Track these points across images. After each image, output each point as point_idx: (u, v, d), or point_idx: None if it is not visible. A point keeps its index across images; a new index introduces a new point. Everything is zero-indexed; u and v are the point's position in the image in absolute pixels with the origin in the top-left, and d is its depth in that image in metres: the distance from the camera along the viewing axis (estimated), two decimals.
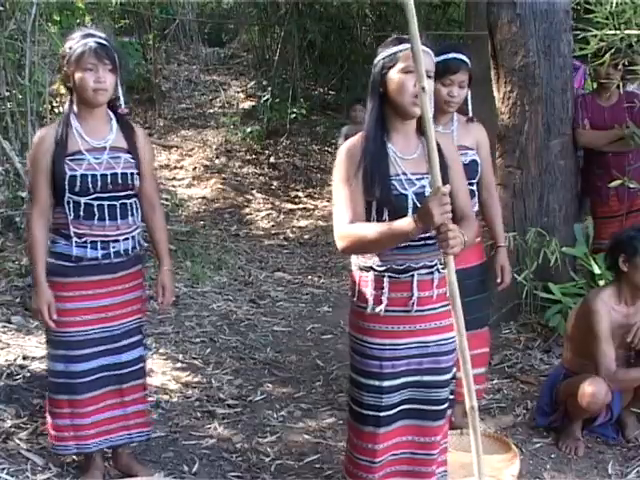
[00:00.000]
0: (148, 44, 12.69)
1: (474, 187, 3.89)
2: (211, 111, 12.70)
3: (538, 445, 4.09)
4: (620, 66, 4.91)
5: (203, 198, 10.01)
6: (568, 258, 5.43)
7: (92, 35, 3.27)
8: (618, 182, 5.01)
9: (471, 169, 3.83)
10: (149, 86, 12.48)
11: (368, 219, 2.80)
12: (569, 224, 5.54)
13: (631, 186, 5.04)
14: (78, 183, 3.22)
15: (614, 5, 4.03)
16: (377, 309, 2.85)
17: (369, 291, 2.88)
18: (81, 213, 3.25)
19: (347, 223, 2.76)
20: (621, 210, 5.26)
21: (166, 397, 4.56)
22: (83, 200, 3.24)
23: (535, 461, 3.92)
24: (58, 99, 8.83)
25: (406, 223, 2.63)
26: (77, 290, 3.31)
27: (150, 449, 3.91)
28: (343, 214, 2.79)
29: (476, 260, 3.97)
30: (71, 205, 3.25)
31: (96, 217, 3.26)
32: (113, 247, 3.32)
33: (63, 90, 8.56)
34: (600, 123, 5.33)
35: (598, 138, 5.32)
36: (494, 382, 4.77)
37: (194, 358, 5.21)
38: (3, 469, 3.51)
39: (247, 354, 5.40)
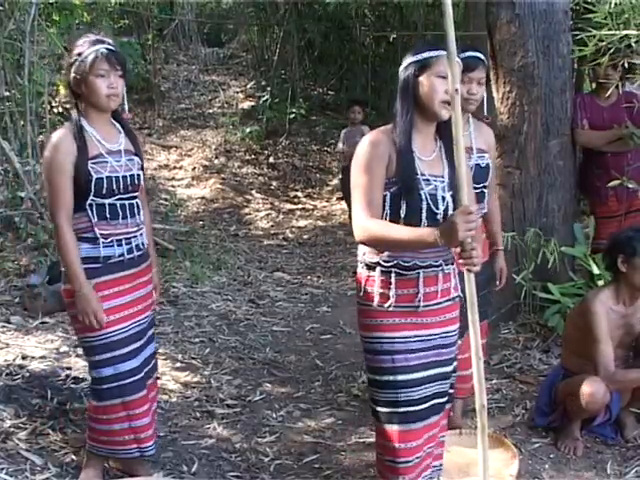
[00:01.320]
0: (147, 44, 12.68)
1: (486, 190, 3.90)
2: (210, 111, 12.70)
3: (537, 445, 4.09)
4: (619, 66, 4.92)
5: (202, 198, 10.01)
6: (567, 258, 5.43)
7: (101, 41, 3.28)
8: (617, 182, 5.03)
9: (486, 172, 3.86)
10: (148, 86, 12.48)
11: (382, 211, 2.86)
12: (568, 224, 5.55)
13: (630, 186, 5.05)
14: (105, 185, 3.25)
15: (613, 5, 4.03)
16: (385, 305, 2.90)
17: (376, 289, 2.93)
18: (107, 215, 3.28)
19: (367, 215, 2.81)
20: (620, 210, 5.26)
21: (165, 397, 4.56)
22: (107, 202, 3.28)
23: (534, 461, 3.92)
24: (57, 99, 8.84)
25: (431, 236, 2.67)
26: (109, 289, 3.33)
27: None
28: (363, 204, 2.84)
29: (486, 255, 3.99)
30: (94, 208, 3.26)
31: (120, 217, 3.32)
32: (135, 242, 3.40)
33: (63, 91, 8.58)
34: (599, 123, 5.34)
35: (597, 138, 5.32)
36: (493, 382, 4.77)
37: (193, 358, 5.21)
38: (2, 469, 3.50)
39: (246, 354, 5.40)
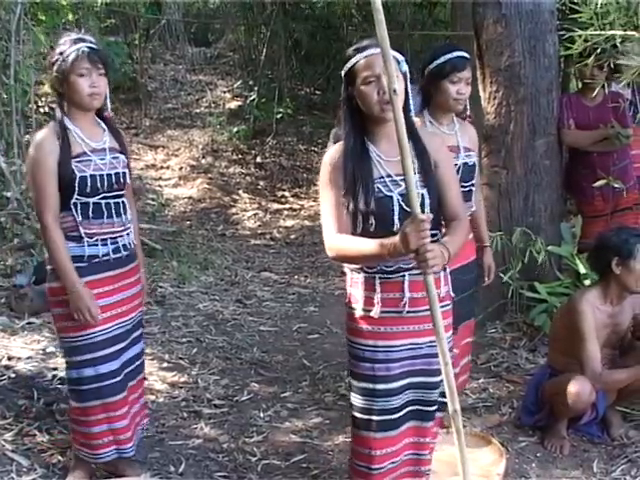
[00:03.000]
0: (134, 44, 12.66)
1: (473, 188, 3.91)
2: (197, 111, 12.68)
3: (524, 444, 4.10)
4: (605, 67, 4.94)
5: (189, 198, 9.99)
6: (554, 257, 5.45)
7: (83, 40, 3.27)
8: (603, 182, 5.05)
9: (473, 170, 3.88)
10: (135, 86, 12.45)
11: (355, 224, 2.80)
12: (554, 224, 5.56)
13: (616, 186, 5.08)
14: (89, 183, 3.24)
15: (599, 6, 4.05)
16: (372, 312, 2.84)
17: (360, 292, 2.88)
18: (90, 213, 3.27)
19: (335, 233, 2.77)
20: (606, 210, 5.29)
21: (152, 397, 4.55)
22: (92, 200, 3.27)
23: (521, 460, 3.94)
24: (44, 99, 8.82)
25: (384, 247, 2.61)
26: (93, 289, 3.30)
27: (137, 449, 3.89)
28: (330, 223, 2.80)
29: (473, 255, 4.00)
30: (79, 206, 3.25)
31: (105, 215, 3.31)
32: (121, 242, 3.38)
33: (49, 90, 8.53)
34: (585, 123, 5.35)
35: (583, 138, 5.34)
36: (480, 381, 4.78)
37: (180, 358, 5.20)
38: None
39: (233, 354, 5.40)
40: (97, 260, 3.31)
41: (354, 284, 2.92)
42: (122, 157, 3.41)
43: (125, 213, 3.41)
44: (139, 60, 12.65)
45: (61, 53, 3.24)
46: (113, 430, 3.42)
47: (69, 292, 3.23)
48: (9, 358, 4.74)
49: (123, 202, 3.40)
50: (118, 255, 3.37)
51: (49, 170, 3.21)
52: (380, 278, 2.83)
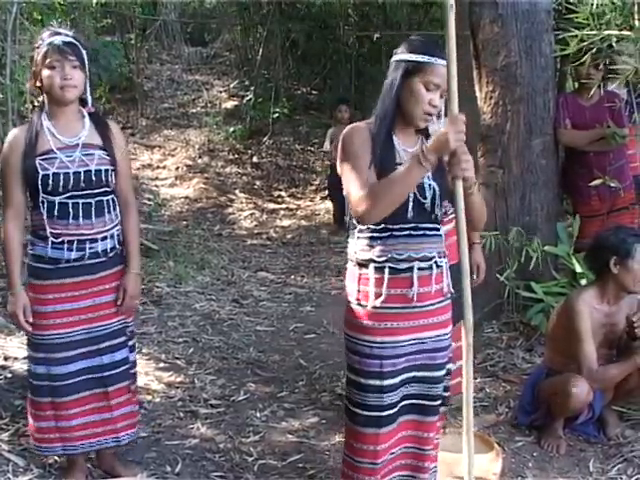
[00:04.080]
0: (130, 44, 12.65)
1: None
2: (194, 111, 12.67)
3: (520, 443, 4.10)
4: (601, 66, 4.95)
5: (186, 198, 9.99)
6: (550, 257, 5.45)
7: (58, 33, 3.24)
8: (599, 181, 5.06)
9: None
10: (131, 86, 12.44)
11: None
12: (551, 223, 5.57)
13: (612, 185, 5.08)
14: (51, 182, 3.18)
15: (595, 6, 4.05)
16: (376, 302, 2.83)
17: (369, 288, 2.86)
18: (55, 213, 3.21)
19: (362, 188, 2.73)
20: (602, 209, 5.30)
21: (149, 397, 4.55)
22: (57, 199, 3.21)
23: (517, 459, 3.94)
24: (40, 99, 8.79)
25: (421, 155, 2.61)
26: (56, 292, 3.27)
27: (133, 449, 3.89)
28: (356, 183, 2.75)
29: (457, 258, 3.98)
30: (46, 205, 3.21)
31: (70, 216, 3.22)
32: (90, 248, 3.27)
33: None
34: (581, 123, 5.36)
35: (579, 138, 5.35)
36: (477, 381, 4.78)
37: (177, 358, 5.20)
38: None
39: (230, 354, 5.39)
40: (60, 265, 3.25)
41: (362, 280, 2.89)
42: (99, 153, 3.29)
43: (99, 215, 3.29)
44: (135, 60, 12.64)
45: (38, 47, 3.23)
46: (59, 428, 3.38)
47: (9, 291, 3.25)
48: (5, 358, 4.73)
49: (99, 202, 3.29)
50: (86, 262, 3.28)
51: (13, 168, 3.20)
52: (390, 269, 2.81)
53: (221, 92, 13.26)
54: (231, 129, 11.68)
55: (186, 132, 11.90)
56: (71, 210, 3.22)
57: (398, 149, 2.84)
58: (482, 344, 5.29)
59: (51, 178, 3.18)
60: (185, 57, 14.28)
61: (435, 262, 2.86)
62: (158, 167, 10.88)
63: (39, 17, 8.06)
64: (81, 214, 3.24)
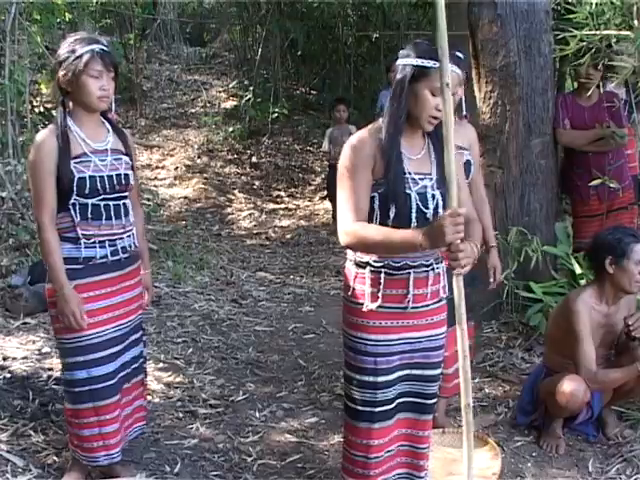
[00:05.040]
0: (129, 43, 12.65)
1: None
2: (193, 111, 12.68)
3: (519, 443, 4.10)
4: (600, 66, 4.95)
5: (185, 198, 9.99)
6: (549, 257, 5.45)
7: (97, 41, 3.24)
8: (598, 181, 5.06)
9: (466, 169, 3.87)
10: (130, 86, 12.45)
11: (371, 213, 2.82)
12: (550, 223, 5.57)
13: (611, 185, 5.08)
14: (87, 185, 3.21)
15: (593, 5, 4.05)
16: (372, 305, 2.86)
17: (365, 288, 2.89)
18: (89, 215, 3.24)
19: (352, 219, 2.77)
20: (601, 209, 5.30)
21: (148, 397, 4.53)
22: (91, 201, 3.24)
23: (516, 459, 3.94)
24: (39, 99, 8.80)
25: (417, 237, 2.63)
26: (89, 291, 3.29)
27: (132, 449, 3.89)
28: (348, 208, 2.79)
29: None
30: (77, 207, 3.23)
31: (104, 217, 3.28)
32: (120, 244, 3.35)
33: (45, 90, 8.54)
34: (580, 123, 5.37)
35: (578, 138, 5.35)
36: (476, 381, 4.78)
37: (176, 358, 5.20)
38: None
39: (229, 354, 5.39)
40: (93, 262, 3.28)
41: (359, 279, 2.92)
42: (125, 158, 3.38)
43: (126, 215, 3.38)
44: (134, 60, 12.65)
45: (73, 51, 3.18)
46: (103, 435, 3.39)
47: (57, 294, 3.22)
48: (4, 358, 4.72)
49: (124, 204, 3.37)
50: (116, 257, 3.34)
51: (47, 171, 3.19)
52: (386, 274, 2.84)
53: (220, 92, 13.26)
54: (230, 129, 11.69)
55: (185, 132, 11.91)
56: (104, 212, 3.28)
57: (405, 157, 2.84)
58: (481, 344, 5.29)
59: (87, 181, 3.21)
60: (184, 57, 14.30)
61: (432, 268, 2.89)
62: (157, 167, 10.89)
63: (38, 17, 8.06)
64: (113, 215, 3.31)
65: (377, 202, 2.81)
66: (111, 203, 3.30)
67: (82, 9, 11.09)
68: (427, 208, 2.82)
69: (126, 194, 3.39)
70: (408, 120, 2.84)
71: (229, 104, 12.73)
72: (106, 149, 3.31)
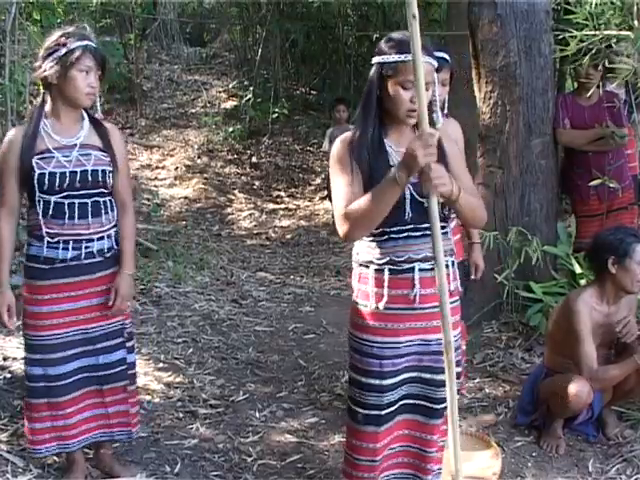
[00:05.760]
0: (129, 44, 12.64)
1: None
2: (193, 111, 12.67)
3: (520, 443, 4.10)
4: (600, 66, 4.95)
5: (185, 198, 9.99)
6: (549, 257, 5.45)
7: (88, 37, 3.22)
8: (598, 181, 5.06)
9: None
10: (130, 86, 12.44)
11: None
12: (550, 223, 5.57)
13: (611, 185, 5.08)
14: (47, 181, 3.17)
15: (593, 6, 4.05)
16: (378, 305, 2.82)
17: (369, 288, 2.85)
18: (51, 212, 3.20)
19: (345, 207, 2.73)
20: (601, 209, 5.30)
21: (148, 397, 4.54)
22: (53, 199, 3.19)
23: (517, 459, 3.94)
24: (39, 99, 8.78)
25: (393, 172, 2.58)
26: (52, 293, 3.27)
27: (132, 450, 3.89)
28: (341, 197, 2.76)
29: (460, 256, 3.99)
30: (42, 204, 3.20)
31: (66, 216, 3.21)
32: (86, 247, 3.26)
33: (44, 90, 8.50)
34: (580, 123, 5.37)
35: (579, 138, 5.35)
36: (476, 381, 4.79)
37: (176, 358, 5.20)
38: None
39: (229, 354, 5.39)
40: (55, 265, 3.24)
41: (363, 280, 2.89)
42: (97, 154, 3.28)
43: (96, 215, 3.27)
44: (134, 60, 12.63)
45: (64, 45, 3.15)
46: (55, 427, 3.38)
47: None
48: (4, 358, 4.73)
49: (95, 202, 3.27)
50: (82, 262, 3.27)
51: (10, 167, 3.20)
52: (390, 271, 2.80)
53: (220, 92, 13.26)
54: (230, 129, 11.68)
55: (185, 132, 11.91)
56: (67, 210, 3.21)
57: (390, 151, 2.82)
58: (481, 344, 5.29)
59: (47, 177, 3.17)
60: (184, 57, 14.29)
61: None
62: (157, 167, 10.88)
63: (38, 17, 8.06)
64: (77, 214, 3.23)
65: None
66: (76, 201, 3.22)
67: (82, 9, 11.08)
68: (423, 197, 2.70)
69: (96, 192, 3.27)
70: (390, 119, 2.82)
71: (229, 104, 12.73)
72: (74, 144, 3.24)
